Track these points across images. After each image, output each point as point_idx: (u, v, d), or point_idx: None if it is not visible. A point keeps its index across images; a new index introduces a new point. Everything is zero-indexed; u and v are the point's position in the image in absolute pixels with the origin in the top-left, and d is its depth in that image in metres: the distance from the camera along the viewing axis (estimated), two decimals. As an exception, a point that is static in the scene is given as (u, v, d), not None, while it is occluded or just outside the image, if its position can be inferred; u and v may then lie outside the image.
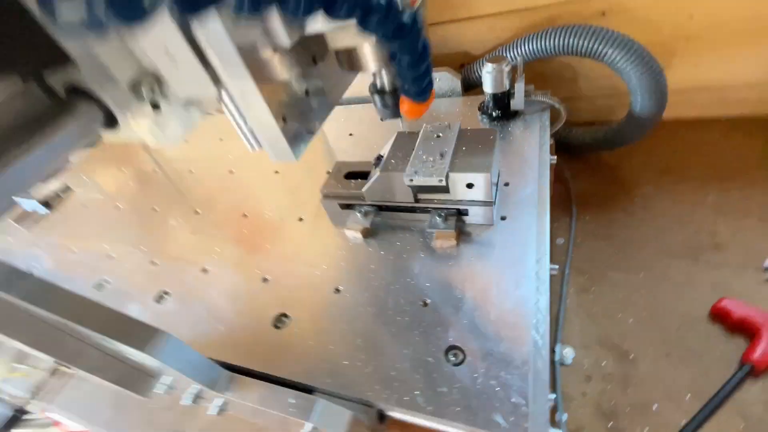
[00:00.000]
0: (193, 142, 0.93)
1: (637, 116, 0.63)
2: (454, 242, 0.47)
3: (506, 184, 0.53)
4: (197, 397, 0.42)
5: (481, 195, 0.45)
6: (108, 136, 0.29)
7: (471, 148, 0.46)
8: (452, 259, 0.46)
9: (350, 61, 0.33)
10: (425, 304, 0.43)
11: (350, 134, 0.73)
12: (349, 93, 0.37)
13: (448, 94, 0.74)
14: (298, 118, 0.31)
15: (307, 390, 0.39)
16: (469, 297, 0.42)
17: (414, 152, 0.47)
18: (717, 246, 0.59)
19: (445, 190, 0.47)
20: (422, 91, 0.31)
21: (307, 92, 0.33)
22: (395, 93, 0.37)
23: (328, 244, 0.53)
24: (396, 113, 0.39)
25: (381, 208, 0.53)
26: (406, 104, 0.33)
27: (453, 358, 0.38)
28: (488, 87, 0.61)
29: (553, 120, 0.63)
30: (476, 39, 0.78)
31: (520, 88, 0.60)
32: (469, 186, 0.45)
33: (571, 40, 0.60)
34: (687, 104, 0.76)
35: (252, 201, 0.66)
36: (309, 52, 0.33)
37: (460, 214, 0.49)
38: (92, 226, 0.74)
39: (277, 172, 0.71)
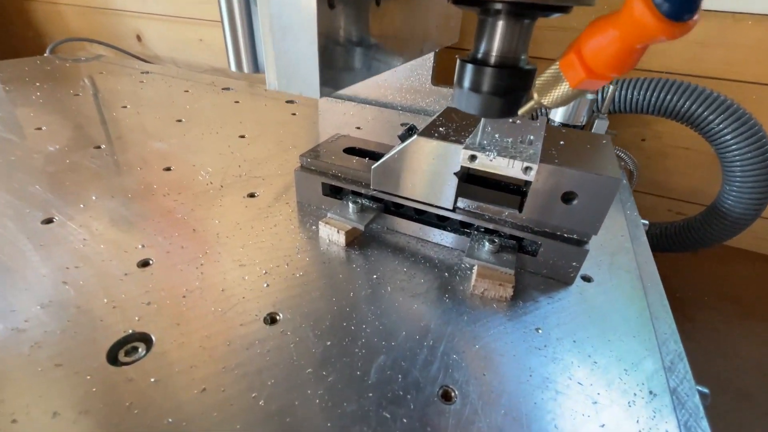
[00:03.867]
0: (150, 83, 0.71)
1: (726, 213, 0.49)
2: (509, 292, 0.26)
3: (584, 234, 0.34)
4: None
5: (582, 222, 0.26)
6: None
7: (575, 146, 0.28)
8: (501, 321, 0.25)
9: None
10: (448, 398, 0.20)
11: (357, 127, 0.55)
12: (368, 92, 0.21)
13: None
14: (343, 43, 0.21)
15: None
16: (543, 400, 0.20)
17: (480, 126, 0.28)
18: (826, 419, 0.41)
19: (513, 199, 0.27)
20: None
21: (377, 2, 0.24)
22: (507, 69, 0.21)
23: (282, 239, 0.30)
24: (500, 106, 0.22)
25: (389, 208, 0.32)
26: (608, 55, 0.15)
27: None
28: (558, 114, 0.46)
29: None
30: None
31: (602, 126, 0.45)
32: (567, 199, 0.25)
33: (666, 96, 0.47)
34: (750, 233, 0.64)
35: (188, 156, 0.43)
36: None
37: (523, 249, 0.29)
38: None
39: (243, 136, 0.50)
